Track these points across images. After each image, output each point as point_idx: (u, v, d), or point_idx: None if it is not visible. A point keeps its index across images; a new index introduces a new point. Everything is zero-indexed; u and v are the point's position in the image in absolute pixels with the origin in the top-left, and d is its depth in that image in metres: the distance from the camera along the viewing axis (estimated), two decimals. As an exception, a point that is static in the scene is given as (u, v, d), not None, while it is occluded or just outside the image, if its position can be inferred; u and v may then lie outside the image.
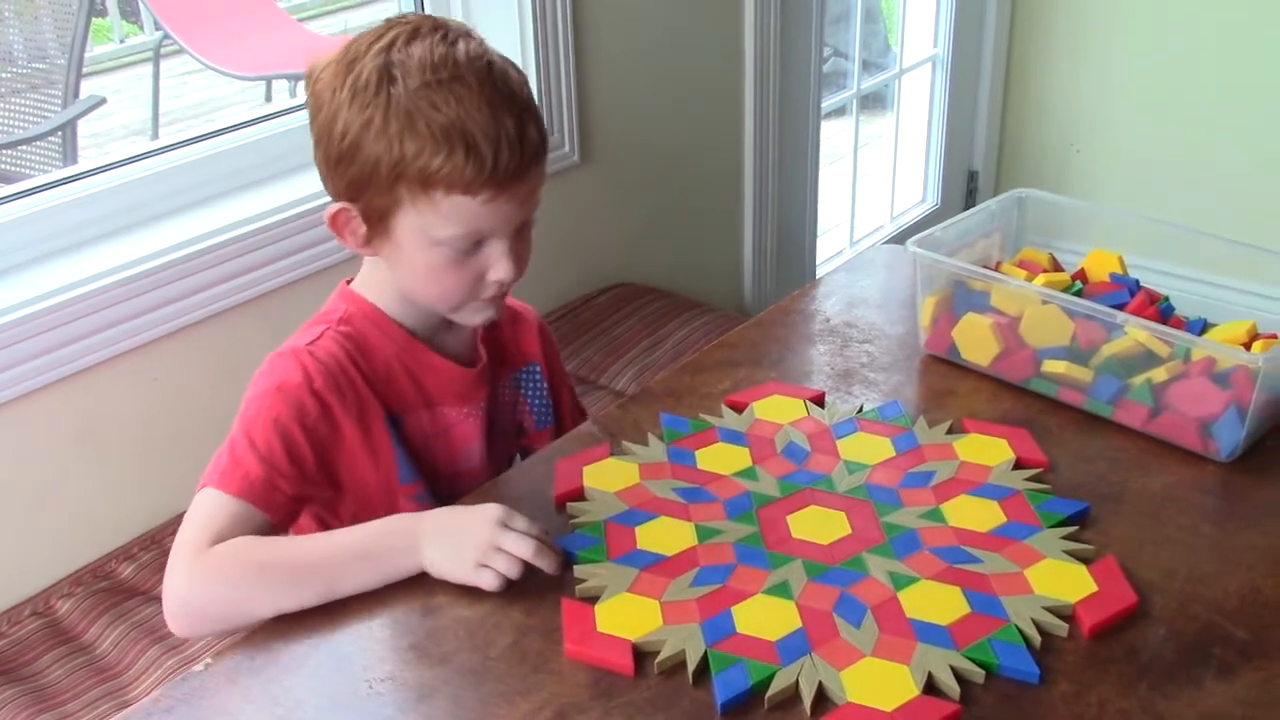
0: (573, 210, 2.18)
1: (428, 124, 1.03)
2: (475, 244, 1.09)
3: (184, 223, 1.71)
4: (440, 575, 1.02)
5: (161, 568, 1.55)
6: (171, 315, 1.64)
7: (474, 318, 1.16)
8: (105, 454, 1.62)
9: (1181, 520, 1.11)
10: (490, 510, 1.03)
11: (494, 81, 1.06)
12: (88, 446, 1.60)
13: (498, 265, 1.11)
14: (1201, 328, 1.29)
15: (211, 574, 1.02)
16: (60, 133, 3.06)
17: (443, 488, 1.22)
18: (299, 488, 1.09)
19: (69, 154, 3.12)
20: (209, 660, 0.97)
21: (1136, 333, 1.22)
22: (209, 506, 1.06)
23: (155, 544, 1.60)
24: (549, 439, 1.31)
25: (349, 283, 1.20)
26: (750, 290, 2.67)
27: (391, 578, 1.03)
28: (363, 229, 1.11)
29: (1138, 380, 1.22)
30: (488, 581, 1.01)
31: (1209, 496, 1.15)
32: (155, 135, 4.31)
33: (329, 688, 0.94)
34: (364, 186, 1.07)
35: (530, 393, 1.30)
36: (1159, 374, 1.21)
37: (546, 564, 1.02)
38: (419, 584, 1.03)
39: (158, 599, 1.52)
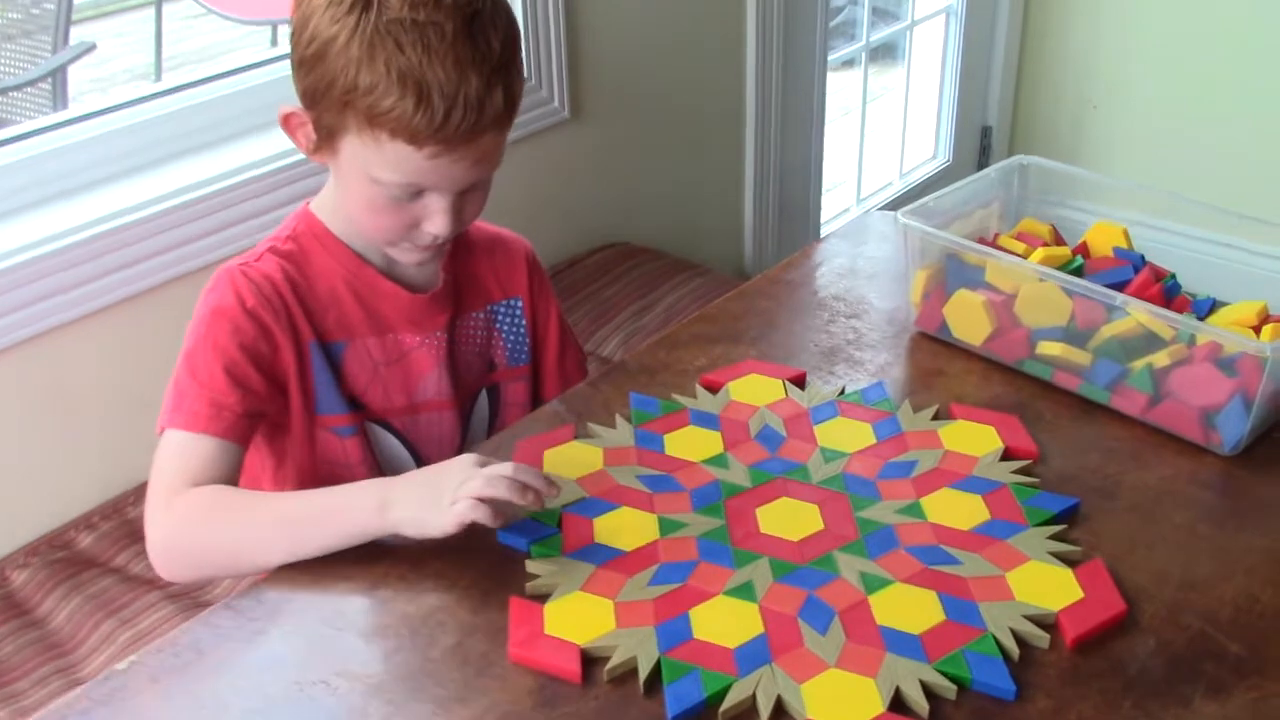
0: (561, 167, 2.10)
1: (388, 61, 0.99)
2: (415, 193, 1.06)
3: (171, 173, 1.65)
4: (413, 531, 0.96)
5: (122, 538, 1.52)
6: (147, 272, 1.58)
7: (405, 257, 1.13)
8: (69, 418, 1.56)
9: (1177, 518, 1.04)
10: (465, 456, 0.99)
11: (472, 34, 1.01)
12: (51, 410, 1.55)
13: (434, 219, 1.07)
14: (1210, 307, 1.22)
15: (181, 521, 1.01)
16: (50, 79, 2.99)
17: (400, 421, 1.18)
18: (248, 405, 1.07)
19: (59, 100, 3.05)
20: (134, 658, 0.92)
21: (1138, 314, 1.14)
22: (172, 447, 1.05)
23: (117, 513, 1.54)
24: (524, 377, 1.26)
25: (310, 201, 1.18)
26: (751, 251, 2.59)
27: (355, 537, 0.98)
28: (313, 137, 1.08)
29: (1138, 365, 1.15)
30: (462, 510, 0.93)
31: (1208, 492, 1.07)
32: (158, 78, 4.24)
33: (258, 689, 0.88)
34: (317, 99, 1.04)
35: (507, 327, 1.25)
36: (1161, 358, 1.14)
37: (532, 497, 0.95)
38: (364, 575, 0.97)
39: (116, 571, 1.47)
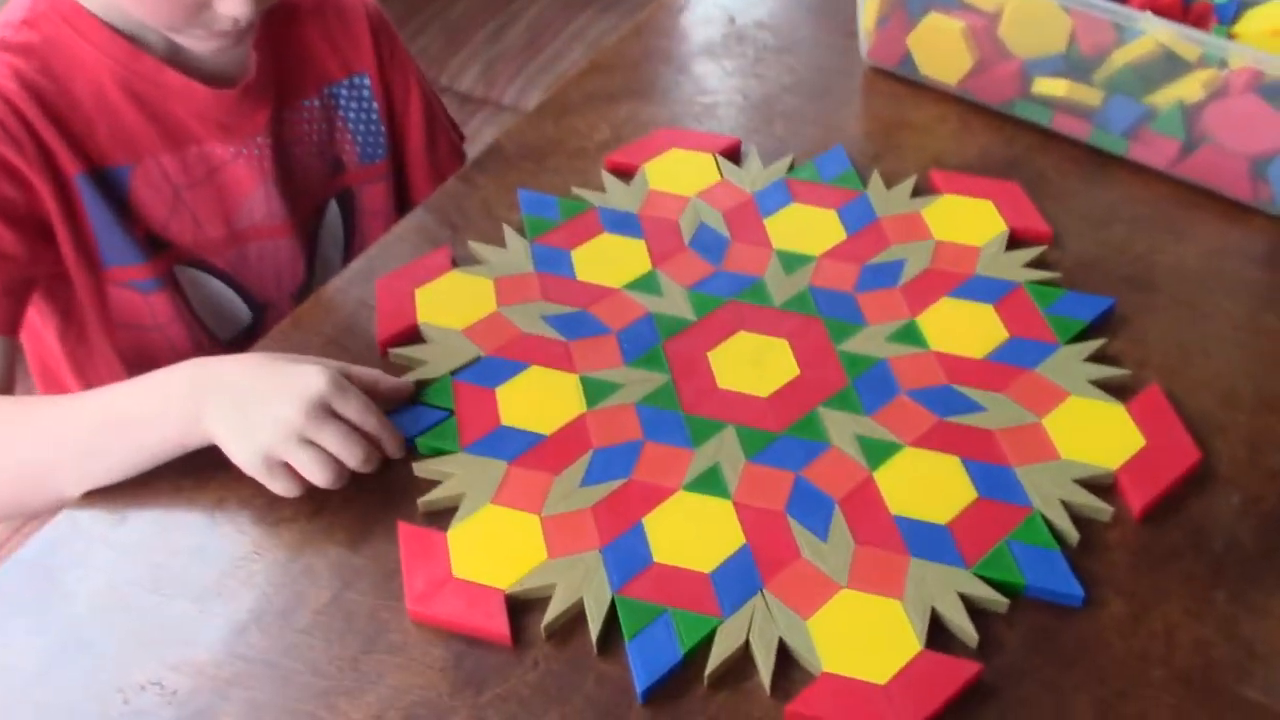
0: None
1: None
2: None
3: None
4: (226, 451, 0.70)
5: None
6: None
7: (198, 46, 0.82)
8: None
9: (1233, 309, 0.82)
10: (310, 381, 0.69)
11: None
12: None
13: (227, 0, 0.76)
14: (1235, 11, 0.96)
15: None
16: None
17: (222, 258, 0.90)
18: (5, 275, 0.79)
19: None
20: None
21: (1159, 34, 0.89)
22: None
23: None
24: (383, 177, 0.97)
25: None
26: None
27: (162, 453, 0.72)
28: None
29: (1163, 102, 0.90)
30: (280, 488, 0.70)
31: (1263, 268, 0.85)
32: None
33: (66, 702, 0.63)
34: None
35: (353, 114, 0.95)
36: (1191, 90, 0.89)
37: (372, 466, 0.71)
38: (193, 502, 0.72)
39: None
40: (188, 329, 0.88)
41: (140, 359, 0.88)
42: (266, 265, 0.91)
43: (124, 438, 0.72)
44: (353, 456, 0.69)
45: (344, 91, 0.93)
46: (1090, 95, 0.92)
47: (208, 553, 0.69)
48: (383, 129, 0.96)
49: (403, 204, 0.99)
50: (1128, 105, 0.91)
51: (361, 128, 0.95)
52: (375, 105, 0.95)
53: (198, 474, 0.73)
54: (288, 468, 0.69)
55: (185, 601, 0.67)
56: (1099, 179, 0.92)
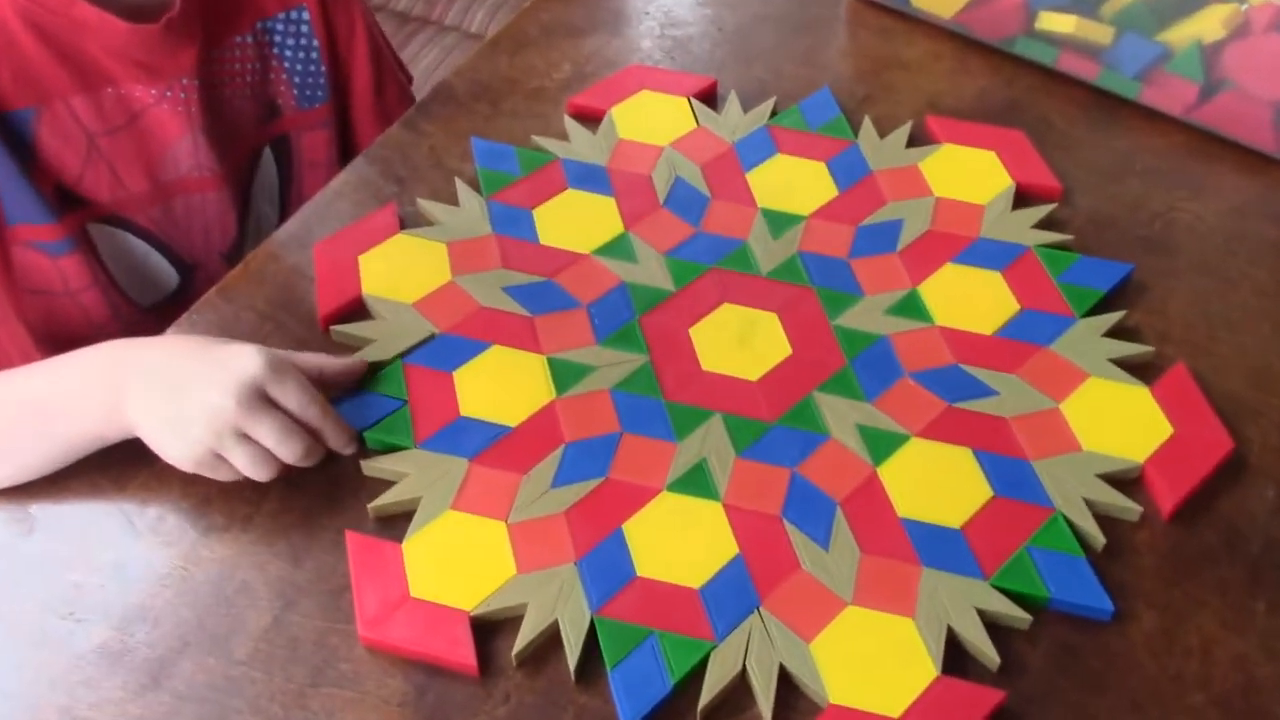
0: None
1: None
2: None
3: None
4: (150, 444, 0.62)
5: None
6: None
7: None
8: None
9: (1258, 275, 0.75)
10: (245, 364, 0.60)
11: None
12: None
13: None
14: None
15: None
16: None
17: (145, 215, 0.80)
18: None
19: None
20: None
21: (1177, -37, 0.81)
22: None
23: None
24: (324, 123, 0.87)
25: None
26: None
27: (80, 447, 0.64)
28: None
29: (1179, 40, 0.82)
30: (221, 475, 0.62)
31: (1289, 227, 0.79)
32: None
33: (-36, 754, 0.56)
34: None
35: (290, 52, 0.85)
36: (1210, 27, 0.81)
37: (314, 460, 0.63)
38: (107, 503, 0.63)
39: None
40: (104, 295, 0.79)
41: (50, 328, 0.79)
42: (194, 222, 0.82)
43: (36, 429, 0.64)
44: (290, 453, 0.61)
45: (280, 27, 0.83)
46: (1099, 32, 0.84)
47: (129, 569, 0.61)
48: (323, 70, 0.85)
49: (347, 155, 0.89)
50: (1140, 44, 0.83)
51: (299, 68, 0.84)
52: (316, 43, 0.84)
53: (117, 470, 0.64)
54: (220, 461, 0.61)
55: (104, 628, 0.59)
56: (1108, 126, 0.84)
